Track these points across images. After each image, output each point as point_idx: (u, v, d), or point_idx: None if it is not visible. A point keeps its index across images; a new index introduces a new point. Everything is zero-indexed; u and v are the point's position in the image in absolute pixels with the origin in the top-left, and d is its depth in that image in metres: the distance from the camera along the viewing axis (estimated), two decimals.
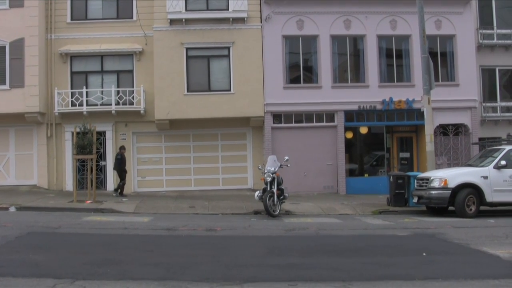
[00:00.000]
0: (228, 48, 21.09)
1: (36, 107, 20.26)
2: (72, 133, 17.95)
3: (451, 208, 14.89)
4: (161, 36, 20.74)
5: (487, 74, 22.77)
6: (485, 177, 14.53)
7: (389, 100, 21.21)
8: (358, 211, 15.86)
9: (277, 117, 21.30)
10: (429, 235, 11.06)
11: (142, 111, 20.89)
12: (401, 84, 21.65)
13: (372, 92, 21.32)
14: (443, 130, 21.82)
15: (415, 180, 15.92)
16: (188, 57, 20.96)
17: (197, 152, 21.63)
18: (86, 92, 20.82)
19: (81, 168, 20.12)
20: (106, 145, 21.35)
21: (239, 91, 20.85)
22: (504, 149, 15.09)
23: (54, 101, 20.68)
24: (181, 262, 7.81)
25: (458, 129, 21.88)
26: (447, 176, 14.79)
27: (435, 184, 14.69)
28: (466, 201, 14.39)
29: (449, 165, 21.11)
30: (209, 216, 14.55)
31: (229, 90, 20.97)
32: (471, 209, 14.43)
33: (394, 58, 21.91)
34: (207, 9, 21.13)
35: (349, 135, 21.83)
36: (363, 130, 22.13)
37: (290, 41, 21.54)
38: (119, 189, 19.06)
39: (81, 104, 20.67)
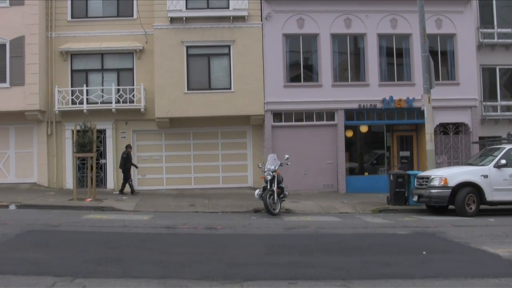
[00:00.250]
0: (229, 46, 21.09)
1: (36, 105, 20.26)
2: (72, 131, 17.95)
3: (451, 207, 14.88)
4: (162, 35, 20.74)
5: (488, 73, 22.77)
6: (485, 176, 14.53)
7: (389, 99, 21.20)
8: (358, 210, 15.86)
9: (277, 115, 21.30)
10: (429, 234, 11.05)
11: (142, 109, 20.89)
12: (401, 83, 21.65)
13: (373, 91, 21.31)
14: (443, 129, 21.81)
15: (415, 179, 15.93)
16: (188, 56, 20.96)
17: (197, 150, 21.64)
18: (87, 90, 20.81)
19: (81, 166, 20.12)
20: (106, 143, 21.35)
21: (239, 89, 20.84)
22: (504, 148, 15.08)
23: (54, 99, 20.69)
24: (181, 260, 7.81)
25: (458, 128, 21.87)
26: (447, 175, 14.79)
27: (435, 183, 14.68)
28: (466, 200, 14.39)
29: (449, 164, 21.13)
30: (209, 215, 14.55)
31: (230, 88, 20.97)
32: (471, 208, 14.43)
33: (394, 57, 21.89)
34: (208, 7, 21.14)
35: (349, 133, 21.83)
36: (363, 128, 22.13)
37: (290, 39, 21.53)
38: (124, 187, 19.05)
39: (81, 102, 20.67)
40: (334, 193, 20.68)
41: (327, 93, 21.20)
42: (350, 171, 21.87)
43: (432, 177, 14.92)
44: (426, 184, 15.02)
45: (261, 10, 21.25)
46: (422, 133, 19.86)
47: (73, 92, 20.87)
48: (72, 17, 21.43)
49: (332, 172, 21.33)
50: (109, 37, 21.20)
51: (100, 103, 20.85)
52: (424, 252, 8.72)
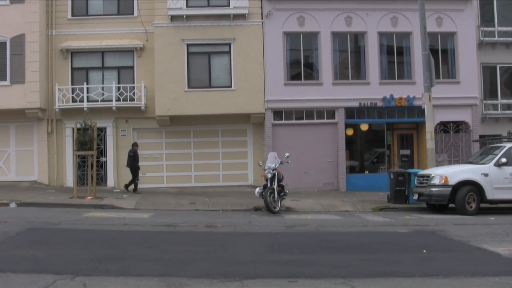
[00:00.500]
0: (229, 44, 21.07)
1: (36, 103, 20.27)
2: (73, 129, 17.93)
3: (451, 205, 14.89)
4: (162, 33, 20.72)
5: (488, 71, 22.76)
6: (486, 175, 14.53)
7: (390, 97, 21.19)
8: (358, 208, 15.87)
9: (277, 113, 21.29)
10: (429, 232, 11.05)
11: (142, 107, 20.88)
12: (401, 81, 21.64)
13: (373, 89, 21.30)
14: (443, 127, 21.80)
15: (416, 177, 15.92)
16: (188, 54, 20.95)
17: (197, 148, 21.65)
18: (87, 88, 20.81)
19: (81, 164, 20.11)
20: (106, 141, 21.36)
21: (239, 87, 20.83)
22: (505, 146, 15.07)
23: (54, 97, 20.69)
24: (181, 258, 7.81)
25: (458, 127, 21.86)
26: (447, 173, 14.79)
27: (436, 181, 14.68)
28: (467, 198, 14.39)
29: (450, 163, 21.11)
30: (210, 213, 14.55)
31: (230, 86, 20.96)
32: (471, 207, 14.44)
33: (395, 55, 21.87)
34: (208, 5, 21.12)
35: (350, 132, 21.83)
36: (364, 127, 22.12)
37: (291, 37, 21.52)
38: (132, 185, 18.91)
39: (81, 100, 20.66)
40: (334, 191, 20.68)
41: (328, 91, 21.18)
42: (351, 169, 21.86)
43: (432, 175, 14.92)
44: (426, 183, 15.01)
45: (261, 8, 21.24)
46: (423, 132, 19.85)
47: (73, 90, 20.86)
48: (72, 15, 21.42)
49: (332, 170, 21.33)
50: (110, 35, 21.18)
51: (101, 101, 20.85)
52: (424, 251, 8.73)
